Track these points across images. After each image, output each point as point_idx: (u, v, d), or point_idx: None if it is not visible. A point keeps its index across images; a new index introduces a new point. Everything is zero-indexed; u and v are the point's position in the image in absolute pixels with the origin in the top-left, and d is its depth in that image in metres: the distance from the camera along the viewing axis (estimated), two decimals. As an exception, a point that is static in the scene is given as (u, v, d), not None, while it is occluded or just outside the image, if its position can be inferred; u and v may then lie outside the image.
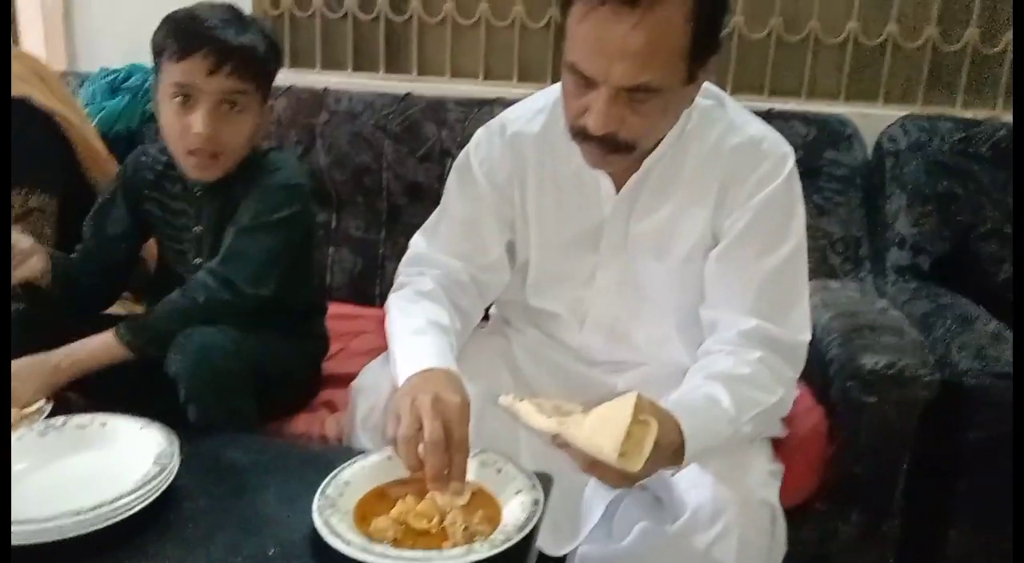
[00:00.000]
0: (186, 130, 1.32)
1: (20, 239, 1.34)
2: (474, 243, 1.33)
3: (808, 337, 1.23)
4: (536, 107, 1.32)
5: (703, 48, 1.10)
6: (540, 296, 1.37)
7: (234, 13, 1.35)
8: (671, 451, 1.05)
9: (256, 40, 1.34)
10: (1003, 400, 1.38)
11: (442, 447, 1.01)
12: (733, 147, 1.22)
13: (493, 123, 1.35)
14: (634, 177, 1.25)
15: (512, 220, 1.34)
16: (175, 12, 1.34)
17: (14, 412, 1.21)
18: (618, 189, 1.27)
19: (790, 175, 1.22)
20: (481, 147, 1.34)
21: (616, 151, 1.15)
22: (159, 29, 1.33)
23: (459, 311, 1.29)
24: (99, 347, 1.30)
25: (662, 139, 1.22)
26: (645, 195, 1.26)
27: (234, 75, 1.30)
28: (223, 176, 1.39)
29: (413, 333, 1.20)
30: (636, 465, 0.98)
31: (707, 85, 1.22)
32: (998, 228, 1.80)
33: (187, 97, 1.31)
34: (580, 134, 1.15)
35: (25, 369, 1.26)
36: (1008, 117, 2.03)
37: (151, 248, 1.55)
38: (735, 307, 1.21)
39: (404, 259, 1.37)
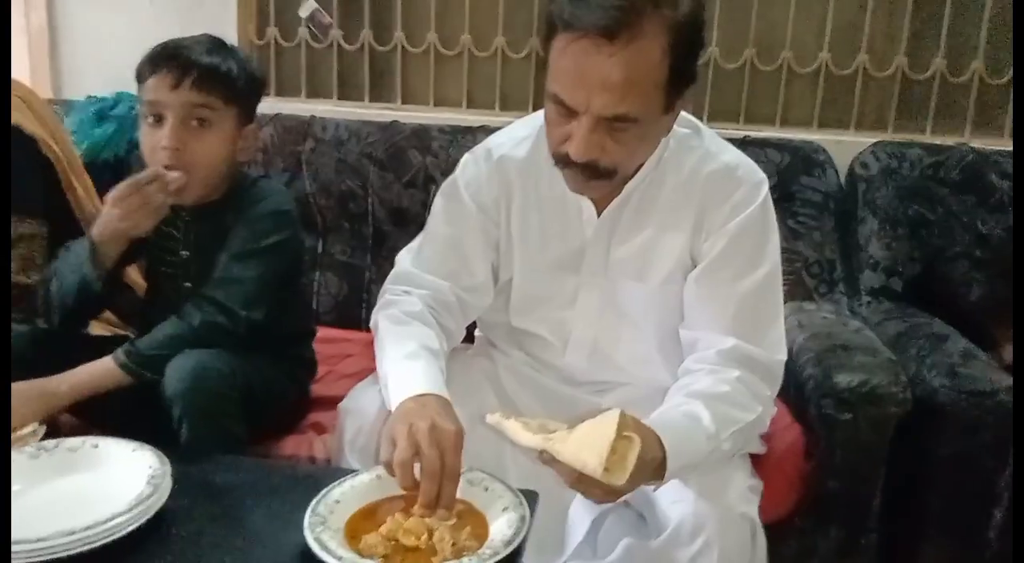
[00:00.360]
0: (155, 147, 1.36)
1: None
2: (459, 263, 1.36)
3: (784, 357, 1.27)
4: (521, 134, 1.36)
5: (680, 79, 1.14)
6: (523, 317, 1.40)
7: (215, 42, 1.40)
8: (653, 466, 1.08)
9: (224, 61, 1.37)
10: (973, 417, 1.42)
11: (438, 476, 1.04)
12: (709, 174, 1.27)
13: (479, 148, 1.39)
14: (615, 202, 1.29)
15: (497, 242, 1.37)
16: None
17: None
18: (599, 213, 1.31)
19: (764, 201, 1.27)
20: (468, 170, 1.37)
21: (597, 177, 1.19)
22: (141, 59, 1.38)
23: (445, 331, 1.32)
24: (98, 372, 1.32)
25: (642, 165, 1.26)
26: (625, 219, 1.31)
27: (195, 89, 1.34)
28: (211, 203, 1.42)
29: (406, 357, 1.22)
30: (620, 479, 1.01)
31: (684, 114, 1.27)
32: (968, 251, 1.85)
33: (158, 116, 1.35)
34: (562, 161, 1.19)
35: (24, 393, 1.28)
36: (976, 142, 2.09)
37: (135, 275, 1.56)
38: (713, 327, 1.25)
39: (390, 277, 1.39)
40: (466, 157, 1.40)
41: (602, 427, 1.01)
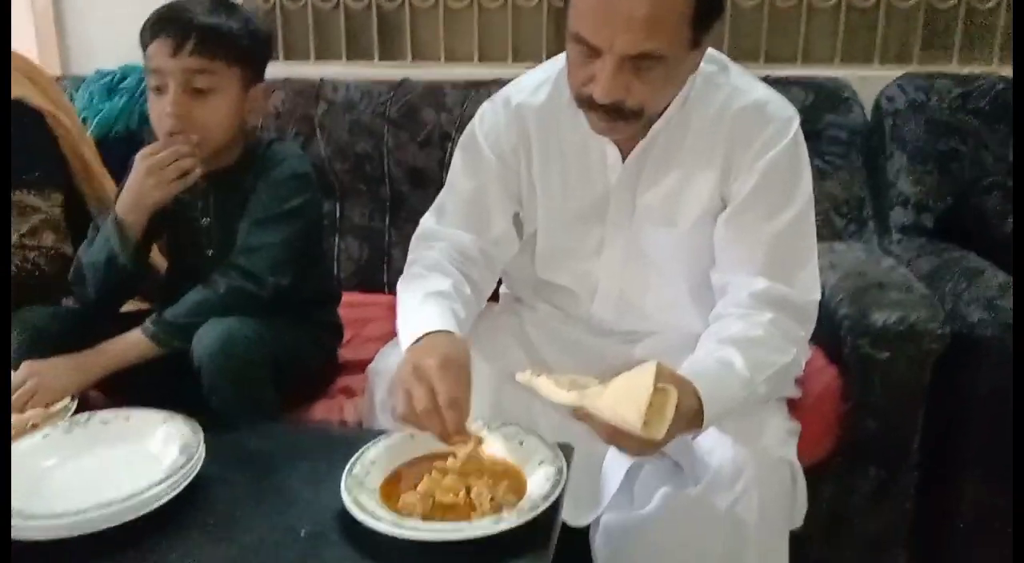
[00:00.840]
0: (161, 114, 1.33)
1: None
2: (481, 216, 1.34)
3: (818, 296, 1.24)
4: (539, 79, 1.33)
5: (706, 13, 1.10)
6: (549, 269, 1.38)
7: (217, 1, 1.36)
8: (690, 416, 1.06)
9: (225, 21, 1.34)
10: (1013, 349, 1.39)
11: (434, 411, 1.04)
12: (737, 111, 1.23)
13: (497, 97, 1.36)
14: (640, 145, 1.26)
15: (518, 192, 1.34)
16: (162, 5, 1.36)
17: (40, 411, 1.23)
18: (624, 158, 1.27)
19: (795, 137, 1.23)
20: (486, 120, 1.34)
21: (623, 118, 1.16)
22: (144, 22, 1.35)
23: (469, 281, 1.30)
24: (129, 345, 1.32)
25: (668, 106, 1.23)
26: (652, 163, 1.27)
27: (196, 54, 1.31)
28: (227, 168, 1.41)
29: (412, 306, 1.21)
30: (659, 432, 0.99)
31: (710, 50, 1.23)
32: (1000, 182, 1.80)
33: (160, 83, 1.33)
34: (586, 103, 1.16)
35: (57, 368, 1.28)
36: (1005, 71, 2.02)
37: (155, 254, 1.56)
38: (745, 269, 1.22)
39: (414, 237, 1.38)
40: (484, 106, 1.37)
41: (639, 380, 1.00)
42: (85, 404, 1.31)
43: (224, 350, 1.26)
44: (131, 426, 1.17)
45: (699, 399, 1.07)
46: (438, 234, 1.34)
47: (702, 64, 1.22)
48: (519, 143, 1.32)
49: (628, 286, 1.35)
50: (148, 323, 1.33)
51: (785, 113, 1.24)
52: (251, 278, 1.35)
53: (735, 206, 1.24)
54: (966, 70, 2.04)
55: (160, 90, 1.33)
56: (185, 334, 1.29)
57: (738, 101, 1.24)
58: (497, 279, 1.41)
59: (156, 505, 1.00)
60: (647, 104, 1.16)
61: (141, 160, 1.33)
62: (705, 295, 1.29)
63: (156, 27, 1.32)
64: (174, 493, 1.02)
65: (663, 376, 1.01)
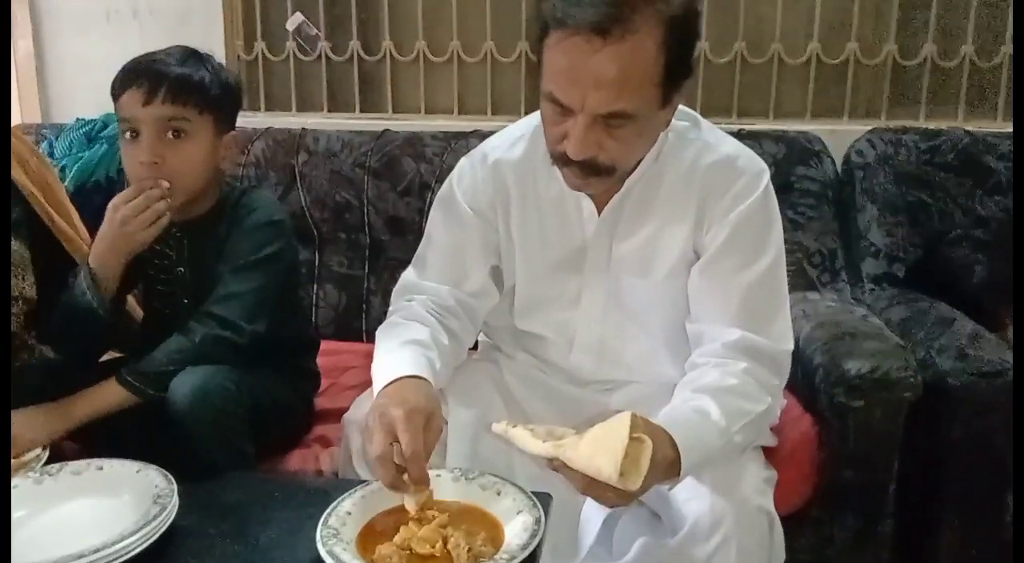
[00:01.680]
0: (134, 162, 1.35)
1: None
2: (460, 269, 1.35)
3: (791, 346, 1.25)
4: (516, 135, 1.35)
5: (676, 73, 1.13)
6: (528, 319, 1.39)
7: (187, 52, 1.39)
8: (666, 466, 1.07)
9: (197, 70, 1.36)
10: (985, 397, 1.41)
11: (388, 460, 1.04)
12: (709, 165, 1.26)
13: (474, 153, 1.38)
14: (615, 198, 1.28)
15: (497, 245, 1.36)
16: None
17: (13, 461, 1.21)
18: (600, 210, 1.30)
19: (766, 190, 1.26)
20: (464, 176, 1.36)
21: (596, 174, 1.18)
22: (116, 74, 1.37)
23: (448, 332, 1.31)
24: (105, 394, 1.31)
25: (641, 160, 1.25)
26: (626, 215, 1.29)
27: (168, 101, 1.33)
28: (201, 216, 1.42)
29: (387, 353, 1.22)
30: (635, 483, 0.99)
31: (681, 107, 1.26)
32: (968, 233, 1.85)
33: (134, 131, 1.34)
34: (560, 159, 1.18)
35: (31, 418, 1.27)
36: (970, 125, 2.08)
37: (132, 302, 1.55)
38: (719, 319, 1.24)
39: (395, 290, 1.39)
40: (462, 162, 1.39)
41: (613, 431, 1.00)
42: (58, 453, 1.29)
43: (200, 400, 1.25)
44: (103, 477, 1.16)
45: (675, 448, 1.07)
46: (418, 287, 1.35)
47: (674, 120, 1.25)
48: (497, 198, 1.34)
49: (606, 335, 1.36)
50: (124, 372, 1.32)
51: (755, 167, 1.27)
52: (228, 326, 1.34)
53: (708, 257, 1.26)
54: (933, 125, 2.10)
55: (133, 138, 1.35)
56: (161, 383, 1.29)
57: (710, 155, 1.27)
58: (478, 330, 1.41)
59: (128, 556, 0.99)
60: (619, 160, 1.18)
61: (114, 210, 1.33)
62: (681, 344, 1.30)
63: (128, 78, 1.34)
64: (146, 544, 1.01)
65: (638, 426, 1.01)
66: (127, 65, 1.36)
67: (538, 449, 1.04)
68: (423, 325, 1.28)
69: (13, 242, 1.53)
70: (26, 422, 1.26)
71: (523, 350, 1.44)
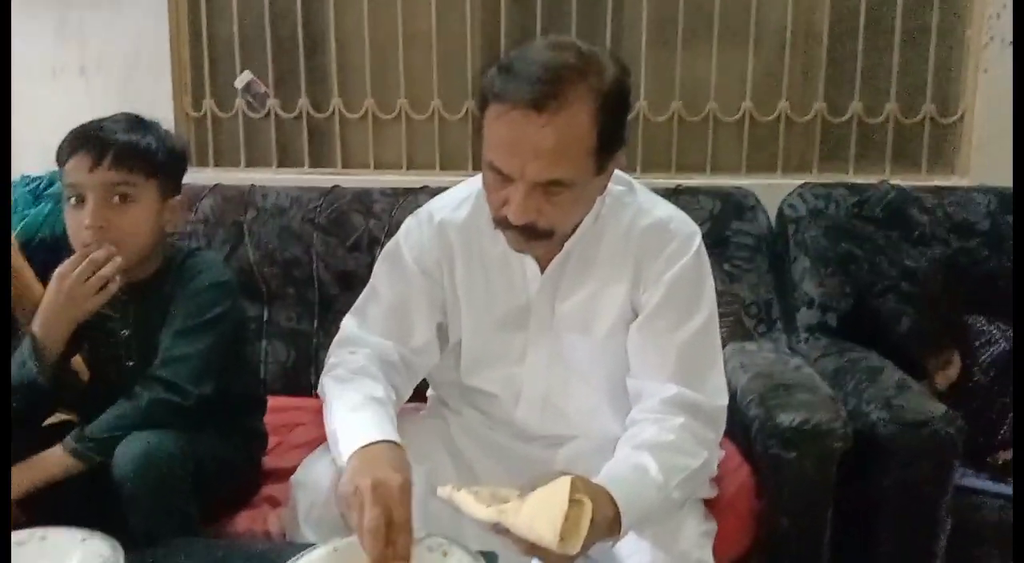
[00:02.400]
0: (78, 227, 1.36)
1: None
2: (404, 326, 1.37)
3: (725, 401, 1.30)
4: (461, 196, 1.40)
5: (609, 142, 1.19)
6: (474, 375, 1.42)
7: (132, 119, 1.41)
8: (607, 524, 1.09)
9: (142, 137, 1.39)
10: (911, 447, 1.47)
11: (382, 534, 1.05)
12: (644, 228, 1.32)
13: (421, 212, 1.42)
14: (556, 259, 1.33)
15: (443, 302, 1.39)
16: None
17: None
18: (542, 270, 1.34)
19: (698, 251, 1.32)
20: (411, 235, 1.40)
21: (536, 238, 1.23)
22: (62, 140, 1.38)
23: (392, 387, 1.32)
24: (50, 461, 1.31)
25: (579, 223, 1.31)
26: (568, 275, 1.34)
27: (116, 168, 1.35)
28: (146, 278, 1.43)
29: (351, 410, 1.22)
30: (575, 547, 1.01)
31: (618, 172, 1.32)
32: (895, 284, 1.92)
33: (79, 196, 1.36)
34: (502, 223, 1.23)
35: None
36: (896, 179, 2.18)
37: (78, 361, 1.54)
38: (656, 376, 1.28)
39: (335, 341, 1.40)
40: (408, 221, 1.42)
41: (553, 495, 1.02)
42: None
43: (145, 466, 1.25)
44: (47, 546, 1.14)
45: (615, 506, 1.10)
46: (361, 340, 1.37)
47: (611, 185, 1.31)
48: (442, 257, 1.38)
49: (551, 391, 1.40)
50: (69, 438, 1.31)
51: (687, 229, 1.34)
52: (174, 389, 1.35)
53: (645, 316, 1.31)
54: (861, 179, 2.20)
55: (78, 203, 1.36)
56: (107, 449, 1.28)
57: (644, 219, 1.33)
58: (414, 387, 1.43)
59: (71, 630, 0.98)
60: (557, 225, 1.23)
61: (60, 278, 1.33)
62: (623, 400, 1.34)
63: (74, 144, 1.36)
64: (91, 616, 1.00)
65: (577, 489, 1.04)
66: (74, 131, 1.38)
67: (481, 514, 1.06)
68: (374, 381, 1.29)
69: None
70: None
71: (470, 406, 1.46)
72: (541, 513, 1.01)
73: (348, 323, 1.41)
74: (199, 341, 1.40)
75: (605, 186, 1.28)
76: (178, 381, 1.35)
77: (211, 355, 1.40)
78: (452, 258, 1.38)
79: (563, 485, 1.02)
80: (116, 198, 1.36)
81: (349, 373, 1.30)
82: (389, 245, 1.42)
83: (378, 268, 1.43)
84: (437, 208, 1.41)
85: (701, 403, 1.27)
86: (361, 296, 1.42)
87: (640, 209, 1.34)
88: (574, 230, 1.31)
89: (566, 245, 1.32)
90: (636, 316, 1.32)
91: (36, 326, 1.34)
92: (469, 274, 1.38)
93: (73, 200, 1.36)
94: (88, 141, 1.35)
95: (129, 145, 1.37)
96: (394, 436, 1.18)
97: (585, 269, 1.34)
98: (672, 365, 1.28)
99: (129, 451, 1.26)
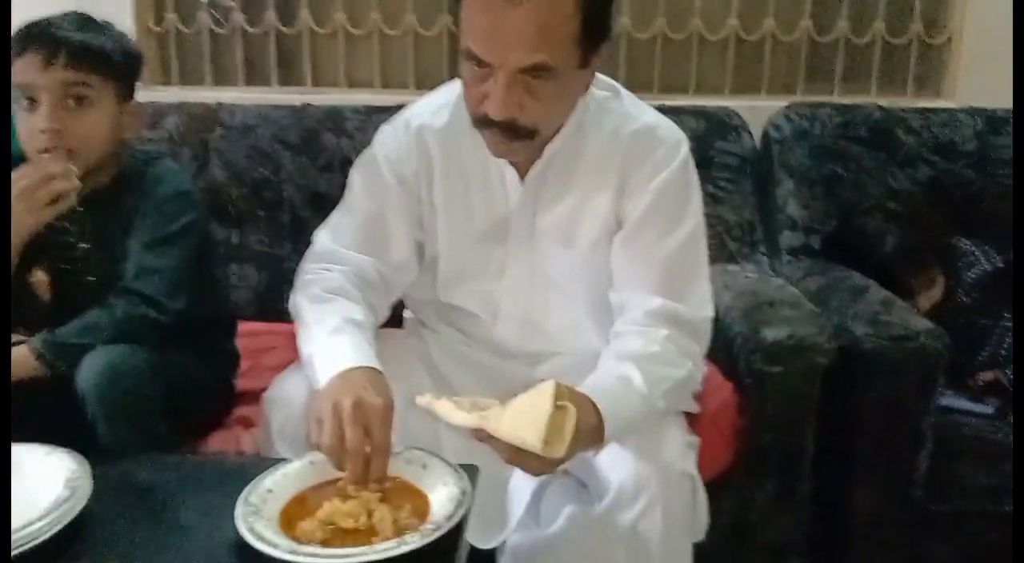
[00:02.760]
0: (32, 131, 1.29)
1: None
2: (381, 239, 1.32)
3: (711, 313, 1.28)
4: (439, 102, 1.34)
5: (593, 32, 1.14)
6: (451, 292, 1.38)
7: (84, 18, 1.34)
8: (590, 432, 1.08)
9: (96, 37, 1.32)
10: (897, 360, 1.46)
11: (362, 453, 1.02)
12: (630, 134, 1.27)
13: (397, 119, 1.36)
14: (537, 165, 1.28)
15: (420, 216, 1.34)
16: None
17: None
18: (523, 179, 1.29)
19: (685, 160, 1.28)
20: (387, 142, 1.34)
21: (518, 137, 1.18)
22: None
23: (370, 307, 1.28)
24: (14, 360, 1.25)
25: (562, 128, 1.25)
26: (549, 184, 1.29)
27: (71, 67, 1.28)
28: (103, 188, 1.36)
29: (329, 334, 1.18)
30: (559, 451, 1.00)
31: (602, 77, 1.26)
32: (880, 204, 1.91)
33: (31, 99, 1.29)
34: (482, 121, 1.18)
35: None
36: (883, 101, 2.14)
37: (40, 274, 1.49)
38: (640, 288, 1.25)
39: (307, 255, 1.34)
40: (383, 128, 1.36)
41: (537, 400, 1.00)
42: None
43: (110, 382, 1.20)
44: (10, 462, 1.10)
45: (599, 415, 1.08)
46: (336, 255, 1.31)
47: (595, 90, 1.26)
48: (420, 166, 1.32)
49: (530, 307, 1.36)
50: (36, 339, 1.26)
51: (674, 136, 1.29)
52: (150, 303, 1.30)
53: (630, 226, 1.27)
54: (847, 100, 2.15)
55: (32, 105, 1.29)
56: (72, 357, 1.23)
57: (630, 125, 1.28)
58: (392, 305, 1.39)
59: (36, 542, 0.94)
60: (540, 122, 1.18)
61: (12, 186, 1.26)
62: (605, 314, 1.31)
63: (24, 42, 1.28)
64: (55, 529, 0.96)
65: (562, 395, 1.02)
66: (21, 30, 1.30)
67: (462, 420, 1.04)
68: (352, 302, 1.24)
69: None
70: None
71: (447, 324, 1.43)
72: (524, 418, 1.00)
73: (321, 237, 1.35)
74: (170, 254, 1.34)
75: (588, 84, 1.23)
76: (155, 294, 1.30)
77: (184, 268, 1.35)
78: (431, 166, 1.32)
79: (546, 390, 1.00)
80: (71, 100, 1.29)
81: (325, 293, 1.25)
82: (364, 154, 1.36)
83: (352, 178, 1.37)
84: (415, 114, 1.35)
85: (686, 315, 1.24)
86: (336, 209, 1.37)
87: (626, 115, 1.29)
88: (556, 133, 1.25)
89: (547, 151, 1.27)
90: (620, 227, 1.28)
91: None
92: (447, 184, 1.32)
93: (25, 102, 1.29)
94: (39, 39, 1.27)
95: (85, 43, 1.29)
96: (374, 362, 1.14)
97: (567, 178, 1.29)
98: (657, 277, 1.25)
99: (92, 367, 1.21)
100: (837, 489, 1.54)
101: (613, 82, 1.32)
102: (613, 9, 1.19)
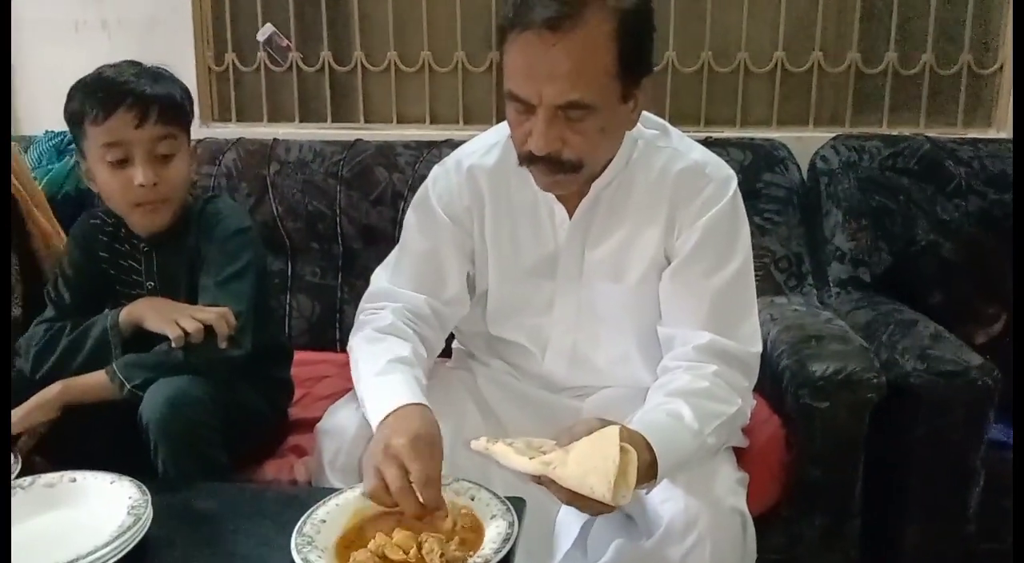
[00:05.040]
0: (127, 186, 1.34)
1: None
2: (435, 277, 1.36)
3: (759, 349, 1.28)
4: (490, 142, 1.37)
5: (632, 66, 1.16)
6: (500, 326, 1.40)
7: (139, 66, 1.39)
8: (644, 470, 1.07)
9: (171, 87, 1.38)
10: (946, 396, 1.45)
11: (407, 489, 1.05)
12: (679, 172, 1.29)
13: (449, 160, 1.40)
14: (585, 202, 1.30)
15: (472, 251, 1.37)
16: (83, 78, 1.36)
17: None
18: (571, 216, 1.32)
19: (734, 196, 1.29)
20: (439, 183, 1.38)
21: (563, 171, 1.20)
22: (71, 98, 1.35)
23: (424, 341, 1.32)
24: (91, 382, 1.31)
25: (609, 162, 1.28)
26: (598, 221, 1.32)
27: (160, 123, 1.34)
28: (167, 229, 1.42)
29: (378, 374, 1.21)
30: (625, 498, 1.00)
31: (651, 116, 1.29)
32: (929, 238, 1.89)
33: (120, 155, 1.33)
34: (527, 158, 1.21)
35: (23, 405, 1.29)
36: (931, 132, 2.13)
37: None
38: (689, 323, 1.26)
39: (365, 296, 1.39)
40: (436, 169, 1.40)
41: (602, 446, 1.00)
42: (30, 467, 1.28)
43: (173, 413, 1.24)
44: (77, 488, 1.15)
45: (651, 452, 1.08)
46: (392, 294, 1.36)
47: (644, 129, 1.28)
48: (472, 204, 1.36)
49: (579, 341, 1.38)
50: (114, 365, 1.31)
51: (723, 173, 1.31)
52: (235, 344, 1.34)
53: (679, 262, 1.28)
54: (895, 131, 2.14)
55: (120, 162, 1.34)
56: (147, 384, 1.28)
57: (679, 162, 1.29)
58: (446, 338, 1.42)
59: (102, 568, 0.99)
60: (584, 155, 1.20)
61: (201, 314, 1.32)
62: (652, 349, 1.32)
63: (107, 101, 1.32)
64: (120, 555, 1.01)
65: (624, 438, 1.02)
66: (90, 87, 1.34)
67: (525, 466, 1.03)
68: (402, 340, 1.28)
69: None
70: (17, 411, 1.28)
71: (497, 356, 1.45)
72: (591, 466, 0.99)
73: (378, 276, 1.40)
74: (240, 292, 1.39)
75: (634, 120, 1.25)
76: (238, 337, 1.34)
77: (251, 303, 1.40)
78: (481, 205, 1.36)
79: (611, 437, 1.00)
80: (158, 153, 1.35)
81: (376, 332, 1.30)
82: (418, 193, 1.40)
83: (408, 219, 1.41)
84: (466, 154, 1.39)
85: (735, 350, 1.24)
86: (395, 249, 1.41)
87: (675, 152, 1.31)
88: (603, 169, 1.28)
89: (595, 188, 1.29)
90: (668, 263, 1.30)
91: (133, 314, 1.35)
92: (497, 221, 1.36)
93: (112, 159, 1.34)
94: (124, 97, 1.32)
95: (170, 100, 1.36)
96: (421, 398, 1.17)
97: (616, 215, 1.31)
98: (705, 312, 1.26)
99: (157, 397, 1.26)
100: (887, 526, 1.52)
101: (662, 121, 1.35)
102: (652, 43, 1.21)
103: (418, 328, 1.32)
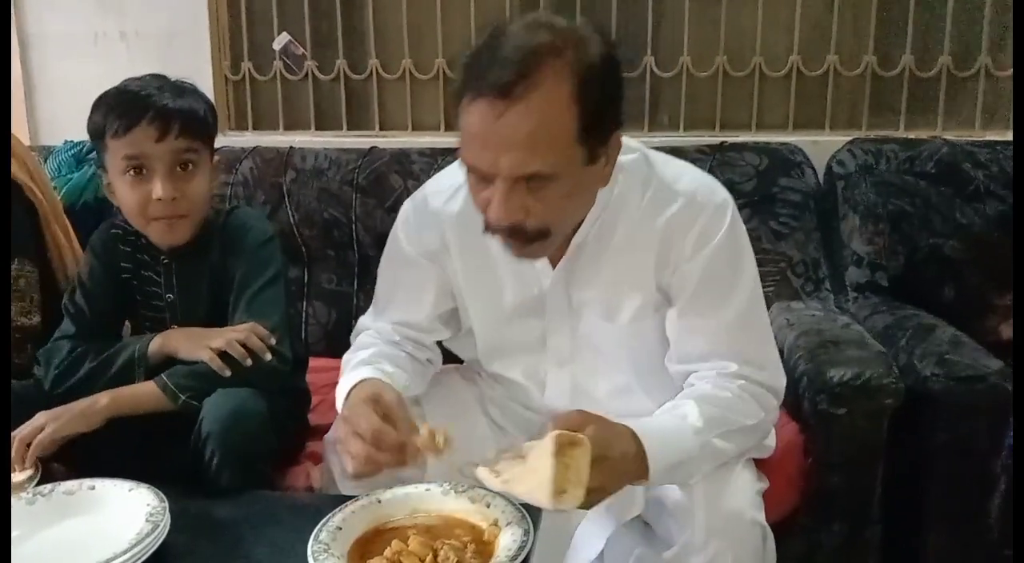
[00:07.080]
0: (146, 200, 1.34)
1: None
2: (403, 307, 1.36)
3: (784, 382, 1.24)
4: (455, 184, 1.29)
5: (597, 126, 1.07)
6: (495, 363, 1.38)
7: (164, 80, 1.39)
8: (626, 461, 1.04)
9: (194, 101, 1.38)
10: (965, 402, 1.43)
11: (389, 437, 1.07)
12: (666, 204, 1.21)
13: (417, 195, 1.37)
14: (567, 255, 1.24)
15: (448, 284, 1.35)
16: (107, 91, 1.37)
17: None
18: (554, 265, 1.26)
19: (732, 223, 1.21)
20: (409, 222, 1.35)
21: (530, 240, 1.13)
22: (94, 111, 1.36)
23: (401, 349, 1.34)
24: (141, 392, 1.32)
25: (583, 219, 1.21)
26: (582, 265, 1.25)
27: (182, 137, 1.34)
28: (188, 241, 1.42)
29: (345, 374, 1.26)
30: (576, 498, 0.97)
31: (627, 140, 1.19)
32: (947, 241, 1.87)
33: (139, 168, 1.34)
34: (490, 227, 1.13)
35: (67, 411, 1.29)
36: (948, 135, 2.11)
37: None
38: (710, 357, 1.21)
39: (352, 335, 1.42)
40: (406, 205, 1.37)
41: (539, 460, 0.98)
42: (48, 475, 1.30)
43: (234, 425, 1.25)
44: (95, 496, 1.17)
45: (637, 442, 1.05)
46: (368, 325, 1.39)
47: (621, 157, 1.18)
48: (440, 248, 1.32)
49: (578, 374, 1.33)
50: (164, 376, 1.32)
51: (716, 199, 1.22)
52: (278, 356, 1.35)
53: (685, 300, 1.22)
54: (912, 135, 2.13)
55: (139, 175, 1.34)
56: (199, 396, 1.29)
57: (664, 193, 1.21)
58: (432, 351, 1.41)
59: (121, 574, 0.99)
60: (550, 223, 1.12)
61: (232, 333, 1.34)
62: (654, 378, 1.28)
63: (130, 115, 1.32)
64: (139, 562, 1.01)
65: (563, 441, 0.97)
66: (113, 101, 1.34)
67: (493, 485, 1.03)
68: (367, 348, 1.31)
69: (24, 264, 1.54)
70: (62, 412, 1.28)
71: (500, 385, 1.42)
72: (533, 479, 0.98)
73: (363, 318, 1.43)
74: (275, 302, 1.40)
75: (608, 175, 1.16)
76: (279, 347, 1.35)
77: (284, 312, 1.42)
78: (448, 249, 1.32)
79: (547, 444, 0.98)
80: (180, 168, 1.35)
81: (351, 353, 1.33)
82: (393, 229, 1.38)
83: (385, 250, 1.40)
84: (432, 193, 1.34)
85: (762, 380, 1.20)
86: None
87: (660, 182, 1.22)
88: (578, 226, 1.21)
89: (575, 240, 1.22)
90: (663, 297, 1.24)
91: (167, 346, 1.37)
92: (469, 266, 1.31)
93: (132, 172, 1.34)
94: (146, 110, 1.32)
95: (192, 113, 1.36)
96: (376, 375, 1.20)
97: (601, 258, 1.24)
98: (725, 345, 1.20)
99: (220, 409, 1.26)
100: (907, 533, 1.51)
101: (637, 144, 1.26)
102: (621, 97, 1.12)
103: (402, 347, 1.34)
